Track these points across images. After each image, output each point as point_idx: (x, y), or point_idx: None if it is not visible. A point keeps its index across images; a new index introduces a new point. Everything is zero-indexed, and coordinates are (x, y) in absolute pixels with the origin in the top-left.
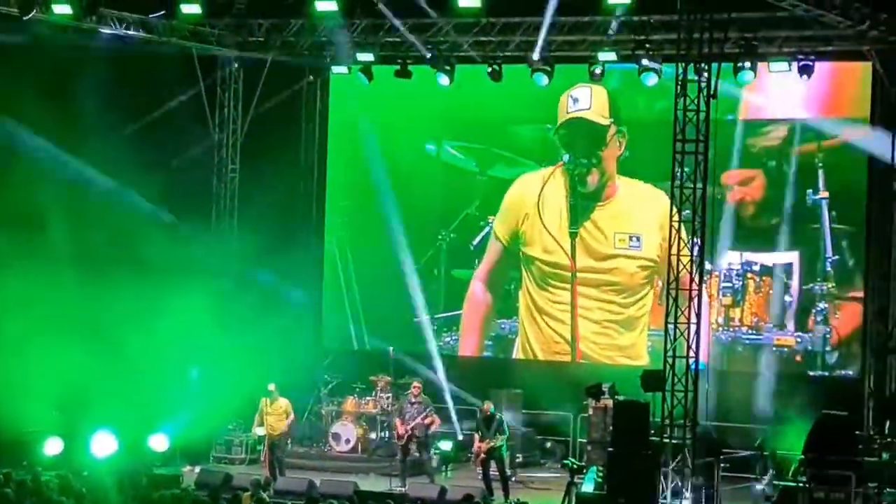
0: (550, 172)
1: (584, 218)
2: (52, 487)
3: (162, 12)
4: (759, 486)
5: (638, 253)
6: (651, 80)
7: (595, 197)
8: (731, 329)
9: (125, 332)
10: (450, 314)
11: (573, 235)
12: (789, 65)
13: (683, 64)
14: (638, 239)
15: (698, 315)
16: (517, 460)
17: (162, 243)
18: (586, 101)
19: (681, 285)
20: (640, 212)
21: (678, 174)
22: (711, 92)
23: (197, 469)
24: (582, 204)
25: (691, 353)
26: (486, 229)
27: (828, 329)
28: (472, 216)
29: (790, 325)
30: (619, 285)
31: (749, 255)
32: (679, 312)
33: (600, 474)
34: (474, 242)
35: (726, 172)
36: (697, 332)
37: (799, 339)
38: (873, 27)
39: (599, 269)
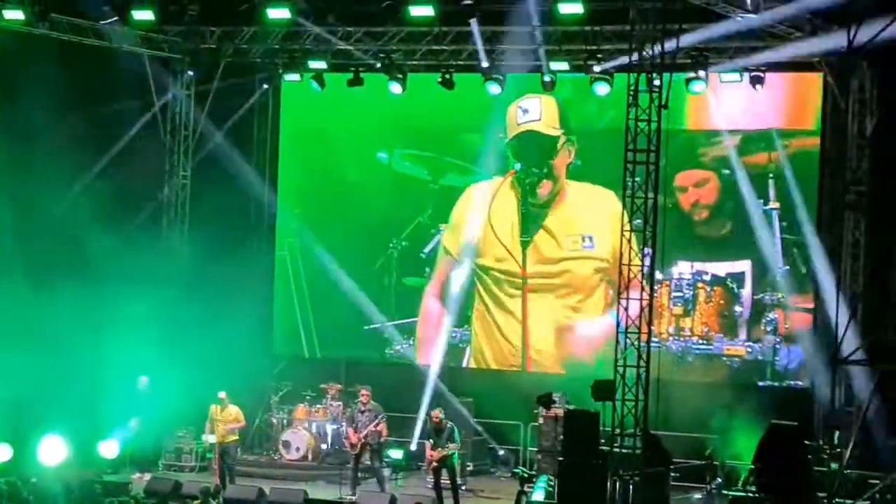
0: (501, 182)
1: (535, 226)
2: (0, 493)
3: (114, 19)
4: (696, 496)
5: (592, 253)
6: (602, 89)
7: (546, 205)
8: (682, 339)
9: (75, 338)
10: (402, 322)
11: (525, 244)
12: (741, 75)
13: (635, 74)
14: (591, 239)
15: (649, 324)
16: (468, 469)
17: (112, 250)
18: (536, 111)
19: (631, 294)
20: (590, 212)
21: (629, 184)
22: (663, 102)
23: (146, 476)
24: (533, 212)
25: (642, 363)
26: (438, 237)
27: (778, 339)
28: (423, 224)
29: (741, 335)
30: (571, 287)
31: (700, 265)
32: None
33: (551, 483)
34: (425, 250)
35: (681, 173)
36: (648, 342)
37: (749, 349)
38: (824, 39)
39: (552, 272)
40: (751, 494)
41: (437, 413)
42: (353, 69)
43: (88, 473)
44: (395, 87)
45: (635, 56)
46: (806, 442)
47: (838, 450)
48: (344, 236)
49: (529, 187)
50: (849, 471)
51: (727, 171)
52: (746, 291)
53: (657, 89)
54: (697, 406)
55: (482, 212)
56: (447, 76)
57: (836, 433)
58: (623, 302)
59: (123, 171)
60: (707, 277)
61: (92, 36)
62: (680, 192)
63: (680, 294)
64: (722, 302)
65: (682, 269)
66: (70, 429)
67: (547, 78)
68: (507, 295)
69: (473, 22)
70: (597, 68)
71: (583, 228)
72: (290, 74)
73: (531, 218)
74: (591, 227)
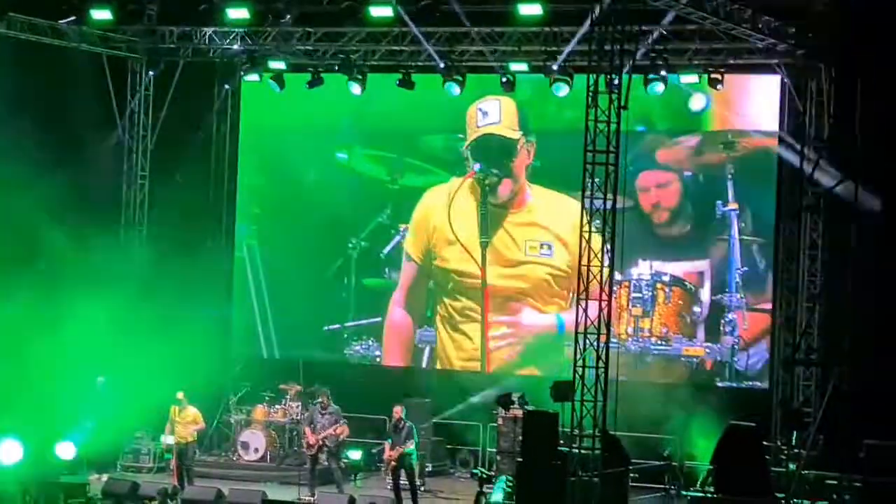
0: (460, 183)
1: (495, 227)
2: None
3: (72, 18)
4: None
5: (549, 260)
6: (562, 91)
7: (506, 206)
8: (641, 339)
9: (31, 338)
10: (360, 323)
11: (484, 245)
12: (699, 77)
13: (594, 75)
14: (549, 247)
15: (608, 325)
16: (427, 469)
17: (69, 249)
18: (496, 114)
19: (590, 295)
20: (552, 220)
21: (588, 185)
22: (622, 103)
23: (104, 477)
24: (493, 212)
25: (601, 364)
26: (397, 238)
27: (736, 339)
28: (383, 225)
29: (699, 336)
30: (529, 291)
31: (659, 266)
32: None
33: (510, 484)
34: (385, 251)
35: (643, 174)
36: (607, 343)
37: (708, 350)
38: (782, 41)
39: (510, 275)
40: (709, 495)
41: (398, 410)
42: (312, 69)
43: (45, 475)
44: (355, 88)
45: (594, 57)
46: (764, 442)
47: (796, 450)
48: (303, 237)
49: (489, 188)
50: (806, 471)
51: (688, 174)
52: (705, 292)
53: (616, 90)
54: (656, 407)
55: (442, 213)
56: (407, 77)
57: (795, 433)
58: (582, 303)
59: (82, 170)
60: (666, 278)
61: (50, 35)
62: (642, 191)
63: (639, 295)
64: (681, 302)
65: (642, 269)
66: (26, 430)
67: (506, 79)
68: (467, 297)
69: (412, 24)
70: (555, 66)
71: (543, 236)
72: (249, 75)
73: (491, 218)
74: (551, 235)
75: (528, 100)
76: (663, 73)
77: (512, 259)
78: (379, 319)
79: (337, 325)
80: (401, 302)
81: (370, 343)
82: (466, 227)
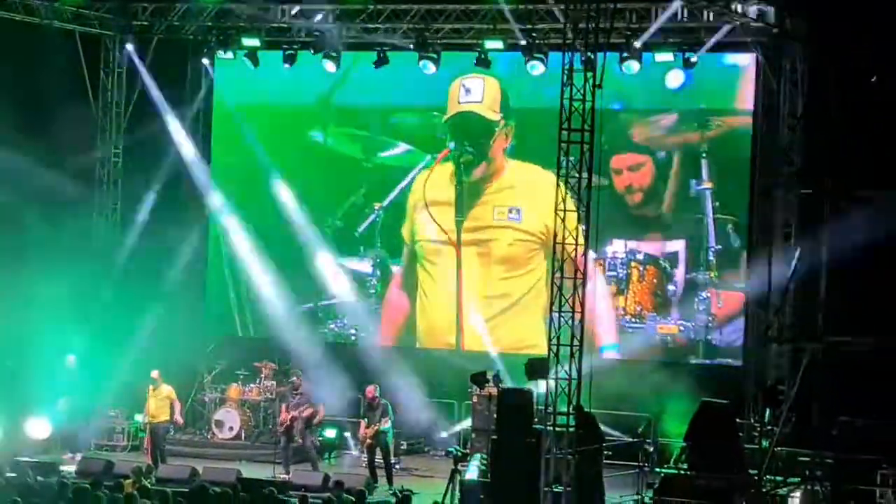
0: (435, 163)
1: (470, 204)
2: None
3: None
4: None
5: (517, 224)
6: (537, 69)
7: (479, 183)
8: (616, 317)
9: (2, 316)
10: (334, 302)
11: (459, 224)
12: (674, 55)
13: (569, 54)
14: (518, 211)
15: (582, 303)
16: (402, 447)
17: (41, 226)
18: (478, 93)
19: (566, 273)
20: (523, 186)
21: (563, 163)
22: (597, 82)
23: (78, 456)
24: (469, 190)
25: (576, 341)
26: (372, 216)
27: (710, 317)
28: (357, 204)
29: (673, 314)
30: (502, 259)
31: (633, 244)
32: (564, 300)
33: (484, 462)
34: (360, 230)
35: (616, 156)
36: (582, 320)
37: (682, 328)
38: (756, 19)
39: (479, 240)
40: (682, 472)
41: (372, 389)
42: (286, 47)
43: (19, 454)
44: (330, 66)
45: (569, 35)
46: (737, 420)
47: (769, 427)
48: (277, 215)
49: (464, 166)
50: (779, 448)
51: (662, 152)
52: (679, 270)
53: (591, 68)
54: (630, 384)
55: (419, 194)
56: (382, 55)
57: (768, 411)
58: (557, 281)
59: (54, 147)
60: (640, 257)
61: (21, 12)
62: (615, 174)
63: (613, 273)
64: (655, 281)
65: (616, 248)
66: None
67: (481, 56)
68: (444, 275)
69: None
70: (523, 43)
71: (513, 201)
72: (223, 52)
73: (466, 196)
74: (521, 200)
75: (503, 77)
76: (637, 44)
77: (481, 226)
78: (354, 299)
79: (310, 305)
80: (398, 282)
81: (344, 322)
82: (442, 206)
